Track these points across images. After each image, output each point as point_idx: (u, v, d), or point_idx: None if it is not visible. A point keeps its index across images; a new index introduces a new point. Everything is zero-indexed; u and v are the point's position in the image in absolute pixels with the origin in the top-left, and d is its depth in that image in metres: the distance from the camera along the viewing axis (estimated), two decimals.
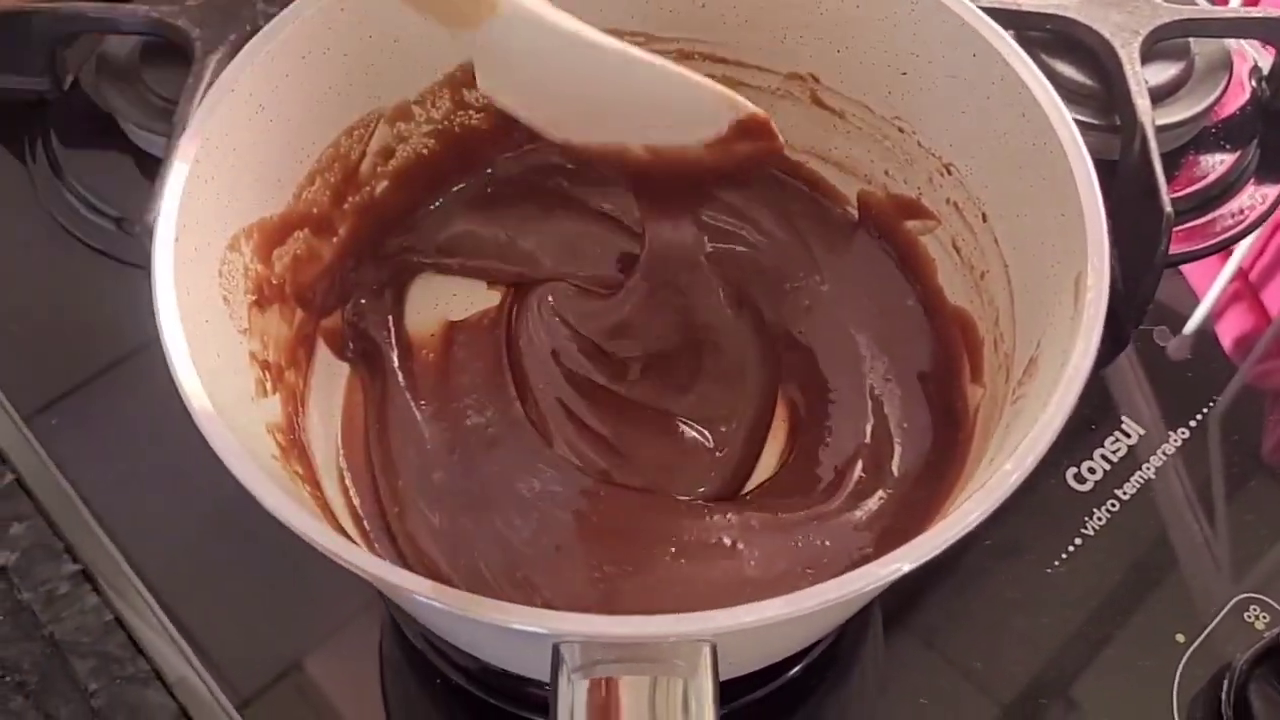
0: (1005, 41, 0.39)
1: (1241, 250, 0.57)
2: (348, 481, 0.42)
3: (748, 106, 0.39)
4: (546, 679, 0.29)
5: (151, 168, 0.56)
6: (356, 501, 0.42)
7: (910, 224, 0.46)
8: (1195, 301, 0.56)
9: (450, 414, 0.44)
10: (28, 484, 0.48)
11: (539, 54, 0.36)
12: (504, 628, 0.29)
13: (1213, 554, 0.47)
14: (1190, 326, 0.55)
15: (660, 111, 0.39)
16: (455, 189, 0.49)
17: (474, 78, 0.45)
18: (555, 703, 0.29)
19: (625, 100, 0.39)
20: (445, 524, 0.41)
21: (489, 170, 0.49)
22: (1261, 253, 0.58)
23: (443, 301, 0.48)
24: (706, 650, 0.29)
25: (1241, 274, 0.57)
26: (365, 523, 0.41)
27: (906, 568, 0.29)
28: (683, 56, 0.47)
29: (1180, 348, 0.54)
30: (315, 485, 0.38)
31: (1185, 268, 0.56)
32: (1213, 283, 0.56)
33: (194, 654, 0.44)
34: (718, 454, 0.44)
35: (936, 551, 0.29)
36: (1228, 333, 0.55)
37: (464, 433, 0.43)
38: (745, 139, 0.40)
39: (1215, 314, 0.55)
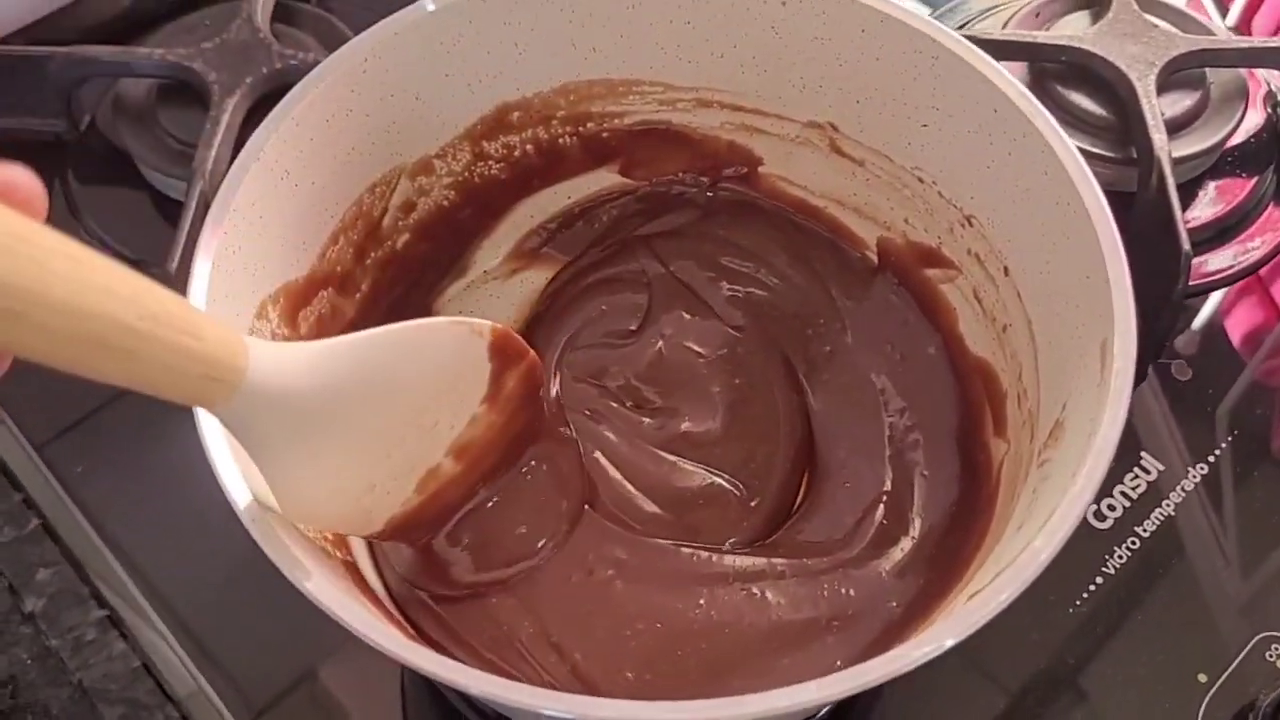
0: (1028, 99, 0.39)
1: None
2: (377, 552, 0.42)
3: (484, 324, 0.38)
4: None
5: (168, 209, 0.56)
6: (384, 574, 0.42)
7: (930, 272, 0.46)
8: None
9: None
10: (54, 529, 0.49)
11: (305, 407, 0.31)
12: (536, 713, 0.29)
13: (1233, 592, 0.48)
14: (1198, 321, 0.55)
15: (433, 389, 0.37)
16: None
17: (493, 130, 0.45)
18: None
19: (399, 403, 0.35)
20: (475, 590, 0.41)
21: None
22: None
23: None
24: None
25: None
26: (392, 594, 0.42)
27: (945, 646, 0.29)
28: (701, 105, 0.47)
29: (1188, 344, 0.54)
30: (358, 574, 0.38)
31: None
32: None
33: (225, 703, 0.44)
34: (751, 504, 0.44)
35: (970, 631, 0.30)
36: (1237, 328, 0.55)
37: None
38: (506, 363, 0.39)
39: (1224, 310, 0.56)
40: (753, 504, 0.44)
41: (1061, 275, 0.38)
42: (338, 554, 0.37)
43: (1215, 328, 0.55)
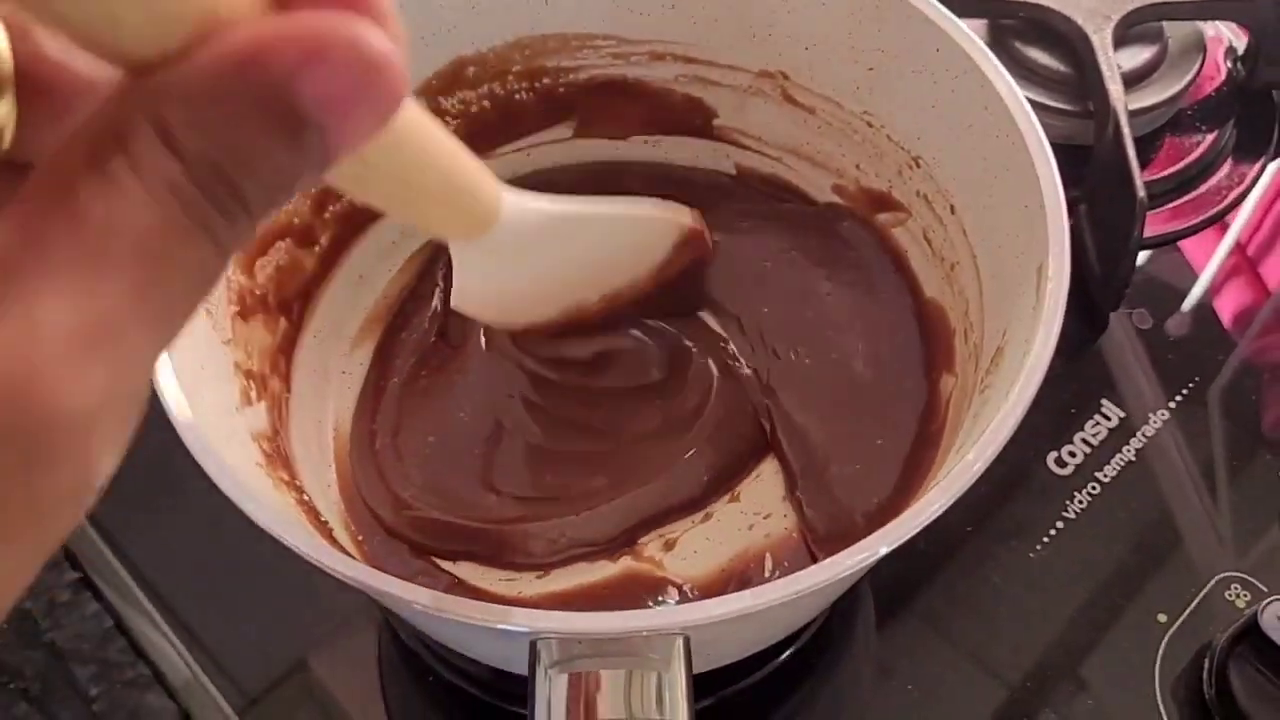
0: (968, 36, 0.39)
1: (1239, 224, 0.58)
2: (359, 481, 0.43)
3: (686, 222, 0.42)
4: (520, 671, 0.30)
5: None
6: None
7: (882, 216, 0.46)
8: (1192, 276, 0.56)
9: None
10: None
11: (521, 247, 0.35)
12: (483, 628, 0.30)
13: (1195, 534, 0.48)
14: (1189, 302, 0.55)
15: (618, 256, 0.41)
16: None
17: (449, 85, 0.46)
18: (533, 697, 0.29)
19: (588, 260, 0.40)
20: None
21: None
22: (1259, 226, 0.58)
23: None
24: (679, 643, 0.29)
25: (1239, 248, 0.57)
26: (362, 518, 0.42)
27: (879, 553, 0.30)
28: (655, 58, 0.47)
29: (1179, 324, 0.54)
30: (299, 490, 0.39)
31: (1183, 242, 0.57)
32: (1210, 257, 0.57)
33: (194, 657, 0.45)
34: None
35: (900, 540, 0.30)
36: (1226, 308, 0.55)
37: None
38: (684, 252, 0.42)
39: (1213, 289, 0.56)
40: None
41: (1002, 208, 0.38)
42: (290, 492, 0.38)
43: (1205, 308, 0.55)
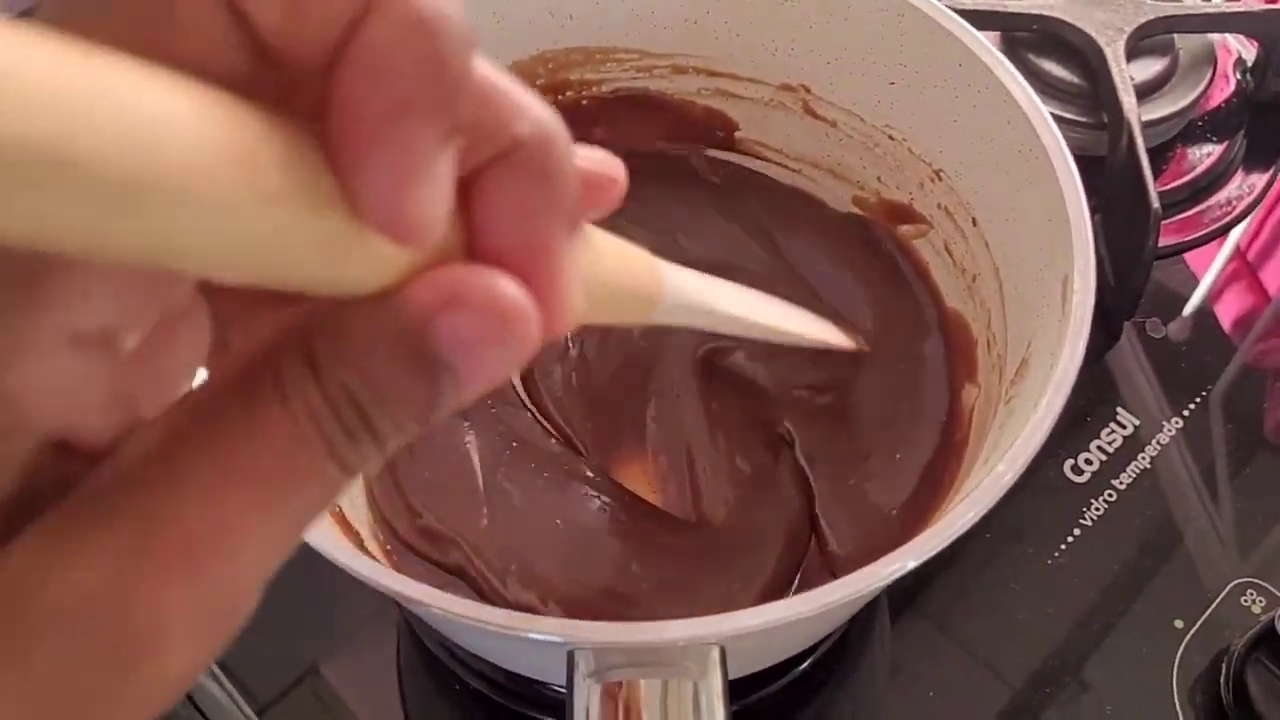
0: (989, 51, 0.40)
1: (1239, 230, 0.58)
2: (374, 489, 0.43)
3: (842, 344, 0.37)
4: (558, 682, 0.30)
5: None
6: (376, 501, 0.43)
7: (903, 229, 0.47)
8: (1194, 283, 0.57)
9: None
10: None
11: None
12: (519, 638, 0.30)
13: (1210, 540, 0.48)
14: (1189, 308, 0.56)
15: None
16: None
17: None
18: (571, 706, 0.30)
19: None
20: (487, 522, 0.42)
21: None
22: (1258, 232, 0.59)
23: None
24: (715, 652, 0.30)
25: (1239, 254, 0.58)
26: (384, 526, 0.43)
27: (909, 566, 0.30)
28: (677, 71, 0.48)
29: (1180, 329, 0.54)
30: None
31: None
32: (1211, 264, 0.57)
33: (232, 700, 0.45)
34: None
35: (934, 551, 0.30)
36: (1227, 313, 0.56)
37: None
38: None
39: (1214, 295, 0.56)
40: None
41: (1025, 220, 0.39)
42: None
43: (1205, 313, 0.56)
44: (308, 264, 0.15)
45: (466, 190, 0.16)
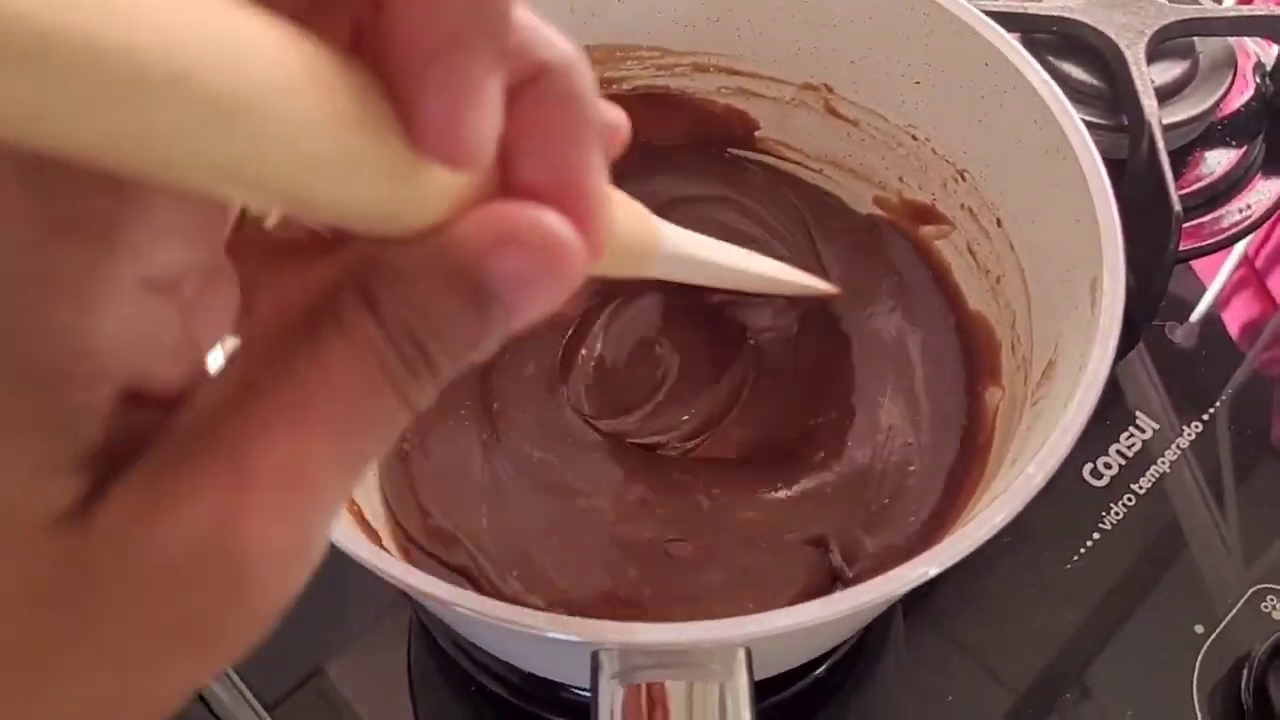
0: (1017, 51, 0.39)
1: (1247, 237, 0.58)
2: (386, 489, 0.43)
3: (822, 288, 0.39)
4: (578, 683, 0.30)
5: None
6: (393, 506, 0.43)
7: (925, 229, 0.46)
8: (1202, 289, 0.56)
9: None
10: None
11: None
12: (543, 638, 0.30)
13: (1229, 545, 0.48)
14: (1197, 314, 0.55)
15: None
16: None
17: None
18: (596, 707, 0.29)
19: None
20: (490, 522, 0.42)
21: None
22: (1266, 240, 0.58)
23: None
24: (741, 654, 0.30)
25: (1247, 261, 0.57)
26: (402, 525, 0.42)
27: (934, 571, 0.30)
28: (698, 69, 0.47)
29: (1188, 336, 0.54)
30: (349, 498, 0.39)
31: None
32: (1219, 271, 0.57)
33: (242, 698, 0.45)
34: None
35: (963, 554, 0.30)
36: (1234, 320, 0.56)
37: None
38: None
39: (1221, 301, 0.56)
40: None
41: (1052, 221, 0.38)
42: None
43: (1213, 319, 0.56)
44: (367, 192, 0.16)
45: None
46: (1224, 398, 0.52)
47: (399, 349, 0.17)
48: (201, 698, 0.44)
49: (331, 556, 0.29)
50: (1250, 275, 0.57)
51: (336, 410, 0.16)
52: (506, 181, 0.18)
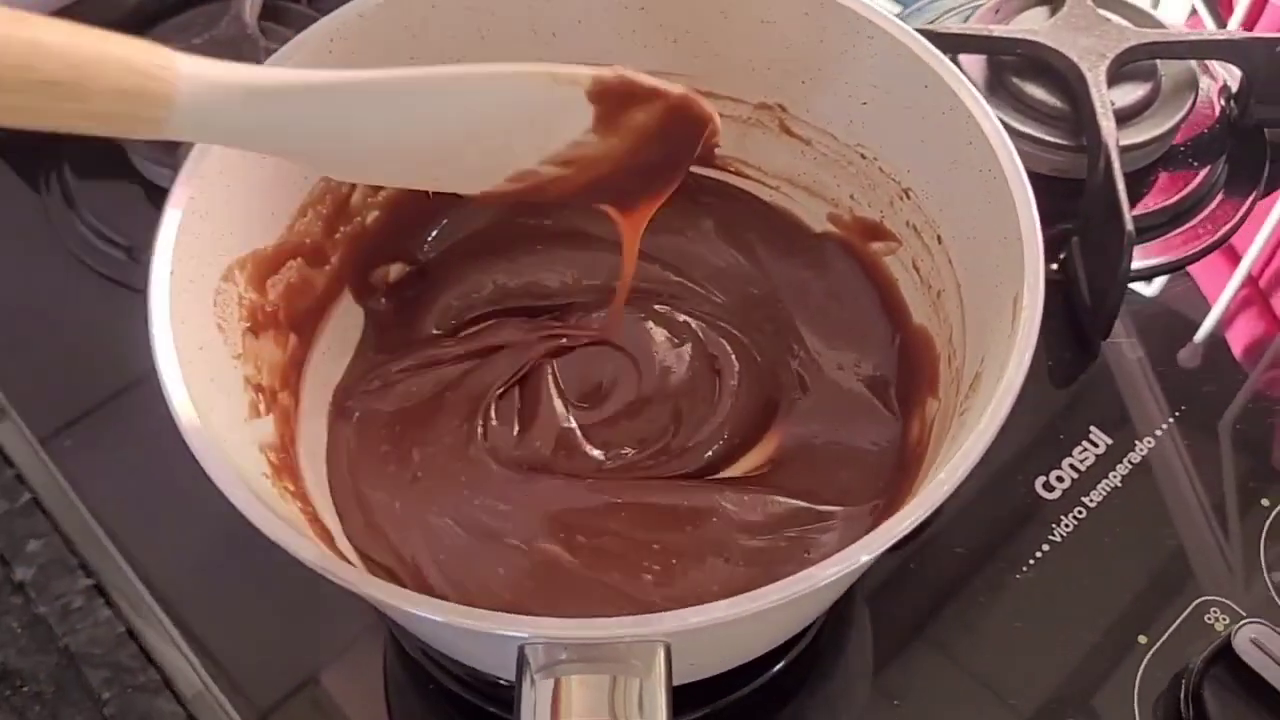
0: (954, 74, 0.41)
1: (1250, 257, 0.59)
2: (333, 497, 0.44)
3: (579, 72, 0.37)
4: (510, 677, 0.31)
5: (160, 198, 0.58)
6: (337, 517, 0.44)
7: (874, 245, 0.48)
8: (1205, 308, 0.57)
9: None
10: (44, 503, 0.51)
11: (303, 117, 0.33)
12: (474, 631, 0.31)
13: (1177, 558, 0.49)
14: (1201, 334, 0.56)
15: (503, 119, 0.37)
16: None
17: None
18: (519, 701, 0.31)
19: (450, 127, 0.36)
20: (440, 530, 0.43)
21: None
22: (1271, 259, 0.59)
23: None
24: (660, 651, 0.31)
25: (1251, 280, 0.58)
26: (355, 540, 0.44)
27: (837, 570, 0.31)
28: None
29: (1191, 355, 0.55)
30: (306, 501, 0.40)
31: (1196, 274, 0.58)
32: (1222, 290, 0.58)
33: (204, 666, 0.46)
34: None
35: (871, 556, 0.31)
36: (1238, 340, 0.56)
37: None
38: (629, 105, 0.38)
39: (1225, 321, 0.57)
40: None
41: (984, 239, 0.40)
42: (295, 502, 0.39)
43: (1217, 340, 0.56)
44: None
45: None
46: (1178, 416, 0.53)
47: None
48: (184, 705, 0.46)
49: (307, 579, 0.30)
50: (1255, 294, 0.58)
51: None
52: None
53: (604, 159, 0.39)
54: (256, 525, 0.32)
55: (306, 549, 0.32)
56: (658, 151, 0.40)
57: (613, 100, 0.37)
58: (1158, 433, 0.52)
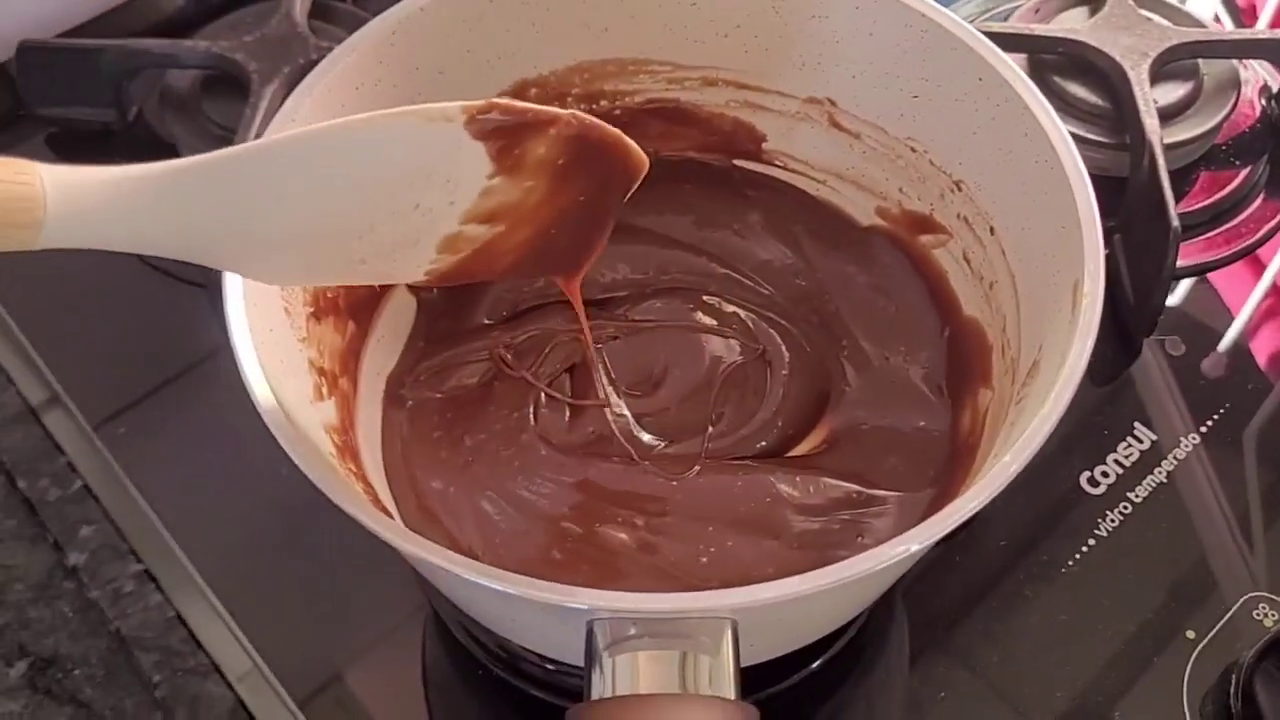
0: (1009, 66, 0.41)
1: (1275, 265, 0.59)
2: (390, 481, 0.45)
3: (448, 106, 0.33)
4: (571, 660, 0.31)
5: None
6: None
7: (924, 238, 0.48)
8: (1230, 318, 0.57)
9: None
10: (96, 490, 0.51)
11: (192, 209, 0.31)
12: (542, 605, 0.32)
13: (1224, 554, 0.49)
14: (1225, 343, 0.56)
15: (392, 173, 0.34)
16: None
17: None
18: (590, 675, 0.31)
19: (338, 190, 0.34)
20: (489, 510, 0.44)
21: None
22: None
23: None
24: (728, 627, 0.31)
25: (1276, 290, 0.58)
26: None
27: (915, 547, 0.31)
28: (707, 83, 0.49)
29: (1215, 365, 0.55)
30: (366, 483, 0.41)
31: (1219, 283, 0.58)
32: (1247, 299, 0.58)
33: (253, 650, 0.46)
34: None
35: (939, 535, 0.32)
36: (1262, 349, 0.56)
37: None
38: (520, 137, 0.35)
39: (1249, 330, 0.57)
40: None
41: (1040, 228, 0.40)
42: (358, 483, 0.40)
43: (1241, 349, 0.56)
44: None
45: None
46: (1224, 412, 0.53)
47: None
48: (232, 688, 0.46)
49: (359, 555, 0.31)
50: (1279, 304, 0.58)
51: None
52: None
53: (527, 208, 0.37)
54: (336, 502, 0.32)
55: (387, 525, 0.32)
56: (581, 189, 0.38)
57: (499, 134, 0.34)
58: (1203, 429, 0.52)
